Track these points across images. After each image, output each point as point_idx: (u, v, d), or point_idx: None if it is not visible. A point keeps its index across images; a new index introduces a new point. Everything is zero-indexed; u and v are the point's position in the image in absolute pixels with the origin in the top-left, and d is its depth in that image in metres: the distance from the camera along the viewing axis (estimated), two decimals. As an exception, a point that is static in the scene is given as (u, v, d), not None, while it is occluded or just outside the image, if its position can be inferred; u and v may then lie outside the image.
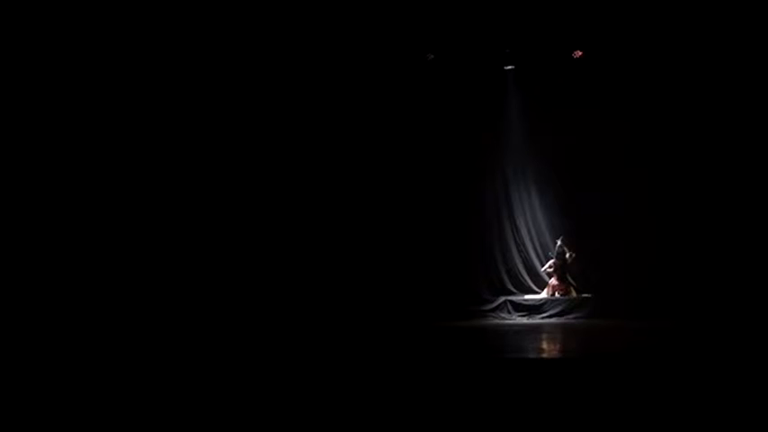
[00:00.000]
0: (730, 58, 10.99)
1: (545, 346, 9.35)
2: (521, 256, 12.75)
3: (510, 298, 12.23)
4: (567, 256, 12.16)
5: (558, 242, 12.28)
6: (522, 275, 12.66)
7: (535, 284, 12.48)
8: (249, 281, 10.95)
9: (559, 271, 12.20)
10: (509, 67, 12.48)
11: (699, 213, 11.35)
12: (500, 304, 12.12)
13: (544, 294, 12.21)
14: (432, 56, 12.05)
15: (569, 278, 12.19)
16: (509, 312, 12.02)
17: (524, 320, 11.75)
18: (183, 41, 10.83)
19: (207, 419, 5.48)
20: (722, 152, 11.26)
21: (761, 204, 10.93)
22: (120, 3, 10.35)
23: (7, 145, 9.95)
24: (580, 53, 12.03)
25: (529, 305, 12.02)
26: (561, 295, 12.09)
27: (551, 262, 12.33)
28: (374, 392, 6.04)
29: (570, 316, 11.70)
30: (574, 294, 12.07)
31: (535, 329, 10.75)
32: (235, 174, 11.37)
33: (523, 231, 12.80)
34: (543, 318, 11.76)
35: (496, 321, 11.78)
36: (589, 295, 11.94)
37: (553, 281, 12.23)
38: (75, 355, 7.82)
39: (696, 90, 11.31)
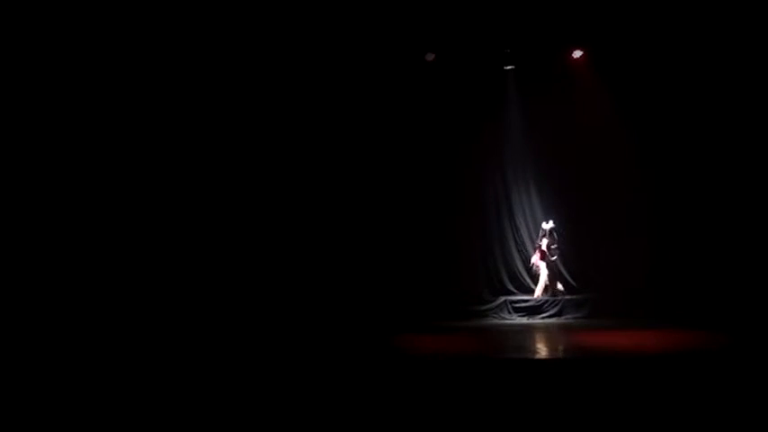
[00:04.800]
0: (730, 57, 10.99)
1: (545, 346, 9.37)
2: (521, 256, 12.75)
3: (510, 298, 12.23)
4: (547, 243, 12.18)
5: (547, 224, 12.31)
6: (522, 275, 12.65)
7: (535, 285, 12.47)
8: (254, 280, 10.97)
9: (541, 251, 12.24)
10: (509, 67, 12.48)
11: (699, 213, 11.36)
12: (500, 304, 12.11)
13: (541, 284, 12.19)
14: (432, 56, 12.03)
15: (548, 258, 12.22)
16: (509, 312, 12.01)
17: (524, 320, 11.75)
18: (185, 42, 10.83)
19: (205, 419, 5.49)
20: (722, 153, 11.27)
21: (759, 203, 10.94)
22: (121, 3, 10.35)
23: (7, 145, 9.95)
24: (580, 53, 12.05)
25: (529, 305, 12.01)
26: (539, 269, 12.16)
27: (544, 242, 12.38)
28: (375, 392, 6.05)
29: (570, 316, 11.70)
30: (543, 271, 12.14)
31: (535, 329, 10.76)
32: (235, 174, 11.37)
33: (523, 231, 12.80)
34: (543, 318, 11.75)
35: (496, 321, 11.78)
36: (582, 296, 11.96)
37: (535, 256, 12.26)
38: (76, 355, 7.83)
39: (697, 89, 11.32)
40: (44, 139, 10.19)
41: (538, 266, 12.26)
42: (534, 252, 12.38)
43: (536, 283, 12.38)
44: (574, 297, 12.00)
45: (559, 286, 12.15)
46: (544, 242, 12.25)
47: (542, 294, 12.12)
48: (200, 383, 6.39)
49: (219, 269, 10.83)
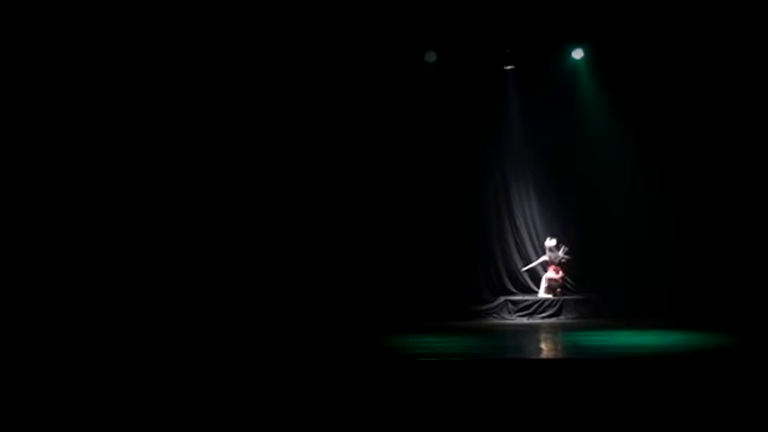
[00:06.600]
0: (734, 57, 10.99)
1: (546, 346, 9.37)
2: (521, 257, 12.74)
3: (510, 298, 12.22)
4: (561, 252, 12.10)
5: (549, 241, 12.24)
6: (522, 275, 12.64)
7: (535, 284, 12.46)
8: (256, 281, 10.98)
9: (554, 264, 12.17)
10: (509, 67, 12.47)
11: (698, 212, 11.36)
12: (500, 304, 12.10)
13: (542, 293, 12.15)
14: (433, 55, 12.01)
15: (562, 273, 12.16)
16: (509, 312, 11.99)
17: (524, 320, 11.74)
18: (184, 42, 10.83)
19: (204, 419, 5.49)
20: (724, 152, 11.28)
21: (761, 202, 10.95)
22: (121, 3, 10.35)
23: (7, 145, 9.95)
24: (581, 53, 12.05)
25: (529, 305, 12.00)
26: (559, 285, 12.07)
27: (543, 259, 12.28)
28: (373, 393, 6.05)
29: (570, 316, 11.70)
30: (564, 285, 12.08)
31: (535, 329, 10.76)
32: (235, 175, 11.37)
33: (523, 231, 12.79)
34: (543, 318, 11.75)
35: (496, 321, 11.78)
36: (582, 296, 11.94)
37: (551, 273, 12.16)
38: (75, 356, 7.83)
39: (698, 88, 11.31)
40: (44, 139, 10.19)
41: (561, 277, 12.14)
42: (549, 269, 12.24)
43: (537, 284, 12.39)
44: (574, 297, 12.00)
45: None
46: (556, 254, 12.12)
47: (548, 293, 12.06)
48: (190, 384, 6.38)
49: (218, 266, 10.84)
